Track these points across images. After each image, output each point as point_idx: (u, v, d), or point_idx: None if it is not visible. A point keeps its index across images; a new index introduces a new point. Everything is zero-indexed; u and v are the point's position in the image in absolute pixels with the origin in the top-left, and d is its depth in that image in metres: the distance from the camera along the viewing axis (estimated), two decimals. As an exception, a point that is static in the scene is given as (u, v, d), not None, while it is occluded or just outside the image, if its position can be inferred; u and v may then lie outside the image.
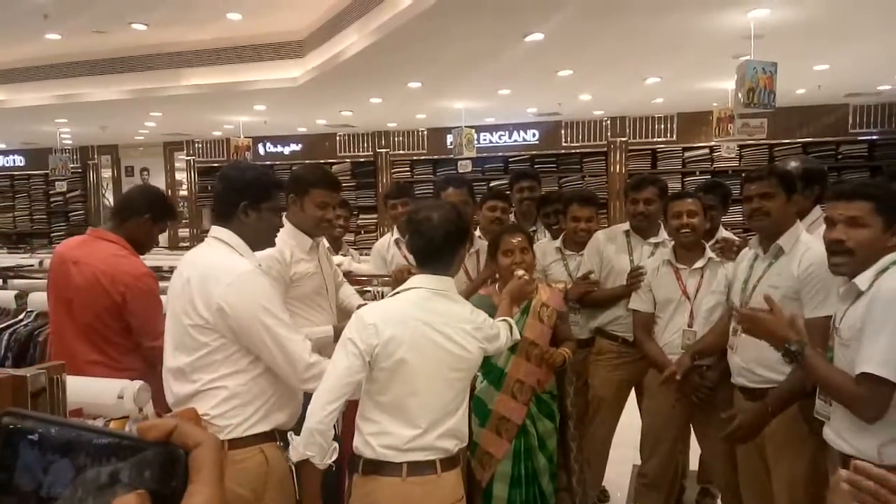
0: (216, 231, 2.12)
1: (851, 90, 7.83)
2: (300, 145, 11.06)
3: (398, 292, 2.11)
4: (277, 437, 2.06)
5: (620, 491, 3.78)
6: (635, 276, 3.24)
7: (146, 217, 2.74)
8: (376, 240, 10.31)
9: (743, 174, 9.15)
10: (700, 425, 3.14)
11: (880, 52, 5.82)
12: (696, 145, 9.21)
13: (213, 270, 2.02)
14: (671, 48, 5.45)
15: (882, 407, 1.93)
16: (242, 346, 2.01)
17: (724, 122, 6.37)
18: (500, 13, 4.43)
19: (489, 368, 2.86)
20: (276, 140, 11.07)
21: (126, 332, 2.60)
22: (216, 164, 11.44)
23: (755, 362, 2.54)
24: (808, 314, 2.48)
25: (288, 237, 2.65)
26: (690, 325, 3.07)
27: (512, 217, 4.30)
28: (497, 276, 2.96)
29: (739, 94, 4.52)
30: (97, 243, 2.68)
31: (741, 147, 8.73)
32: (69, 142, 11.71)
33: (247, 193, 2.11)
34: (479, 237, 3.57)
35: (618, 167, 9.56)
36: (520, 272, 2.72)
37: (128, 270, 2.58)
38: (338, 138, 10.79)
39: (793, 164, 3.51)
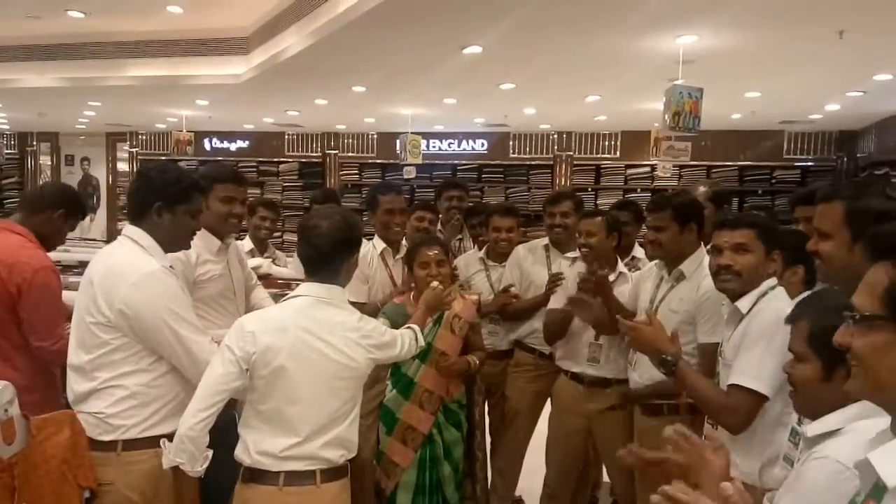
0: (128, 230, 2.10)
1: (785, 118, 8.13)
2: (247, 142, 10.91)
3: (285, 300, 2.11)
4: None
5: (534, 500, 3.83)
6: (554, 282, 3.30)
7: (59, 213, 2.70)
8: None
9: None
10: (599, 436, 3.21)
11: (810, 82, 6.06)
12: (638, 163, 9.43)
13: (118, 269, 2.00)
14: (607, 67, 5.58)
15: (748, 418, 2.02)
16: (146, 346, 1.99)
17: (660, 143, 6.55)
18: (434, 25, 4.47)
19: (398, 377, 2.88)
20: (222, 136, 10.90)
21: (20, 327, 2.53)
22: (162, 157, 11.19)
23: (650, 378, 2.62)
24: (701, 339, 2.58)
25: (196, 238, 2.62)
26: (597, 339, 3.14)
27: (439, 226, 4.34)
28: (412, 285, 2.98)
29: (666, 117, 4.66)
30: (2, 234, 2.61)
31: (680, 167, 8.97)
32: (6, 127, 11.31)
33: (162, 194, 2.10)
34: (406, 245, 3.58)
35: (563, 180, 9.71)
36: (434, 283, 2.75)
37: (28, 262, 2.50)
38: (286, 137, 10.68)
39: (701, 190, 3.64)
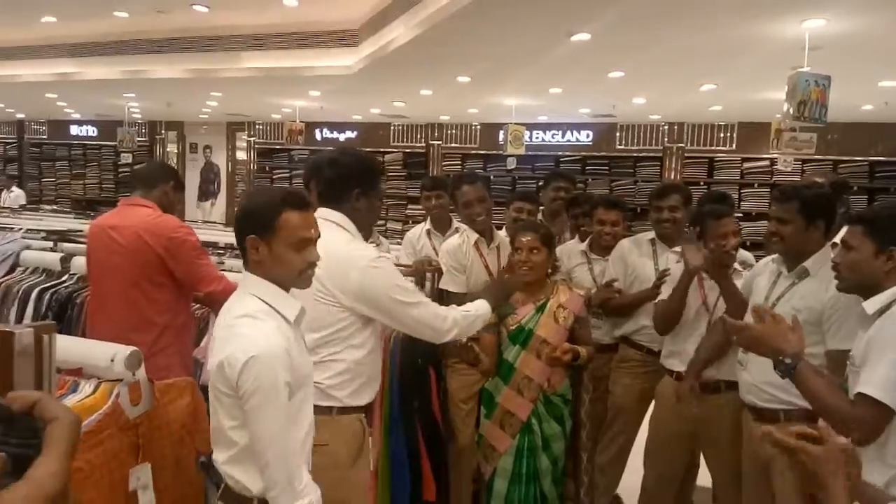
0: (330, 214, 2.19)
1: (925, 108, 7.42)
2: (355, 133, 11.24)
3: None
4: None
5: (632, 499, 3.73)
6: (661, 278, 3.19)
7: (171, 184, 2.98)
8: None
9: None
10: (704, 443, 3.08)
11: (955, 70, 5.51)
12: (756, 156, 8.91)
13: (343, 255, 2.12)
14: (725, 55, 5.29)
15: (874, 431, 1.86)
16: (362, 325, 2.15)
17: (781, 135, 6.15)
18: (542, 12, 4.40)
19: (499, 362, 2.90)
20: (332, 126, 11.29)
21: (168, 288, 2.76)
22: (276, 147, 11.75)
23: (765, 381, 2.44)
24: (830, 345, 2.39)
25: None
26: None
27: (540, 217, 4.29)
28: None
29: (789, 107, 4.36)
30: (132, 209, 2.88)
31: (804, 162, 8.40)
32: (138, 116, 12.23)
33: (361, 180, 2.22)
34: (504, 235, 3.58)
35: (673, 174, 9.35)
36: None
37: (168, 224, 2.78)
38: (392, 128, 10.92)
39: (818, 181, 3.38)
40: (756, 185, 8.96)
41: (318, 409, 2.08)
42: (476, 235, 3.39)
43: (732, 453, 2.80)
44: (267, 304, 1.71)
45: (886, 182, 8.43)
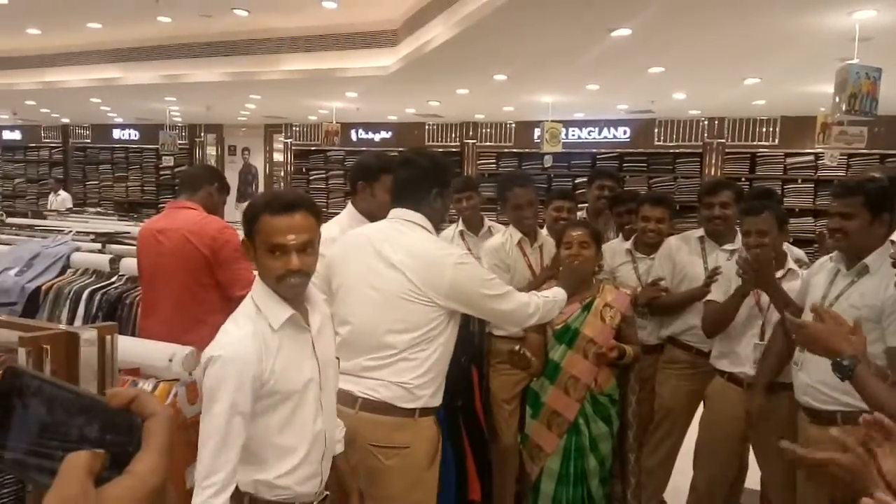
0: (409, 215, 2.23)
1: (980, 99, 7.15)
2: (390, 133, 11.29)
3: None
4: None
5: (679, 501, 3.68)
6: (712, 276, 3.12)
7: (215, 186, 3.04)
8: (457, 230, 10.06)
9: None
10: (758, 444, 3.02)
11: None
12: (799, 151, 8.69)
13: (432, 254, 2.18)
14: (770, 49, 5.17)
15: None
16: (449, 323, 2.19)
17: (828, 128, 5.99)
18: (582, 7, 4.35)
19: (545, 361, 2.89)
20: (367, 127, 11.36)
21: (215, 289, 2.81)
22: (312, 148, 11.87)
23: (822, 382, 2.38)
24: (891, 342, 2.31)
25: (353, 222, 2.75)
26: (762, 339, 2.94)
27: (582, 215, 4.25)
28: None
29: (839, 100, 4.23)
30: (178, 212, 2.93)
31: (849, 156, 8.17)
32: (178, 119, 12.47)
33: (439, 180, 2.27)
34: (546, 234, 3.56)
35: (713, 170, 9.17)
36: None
37: (212, 226, 2.84)
38: (427, 128, 10.94)
39: (876, 176, 3.27)
40: (800, 181, 8.74)
41: (401, 412, 2.13)
42: (520, 235, 3.37)
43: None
44: (257, 307, 1.72)
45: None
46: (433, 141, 10.96)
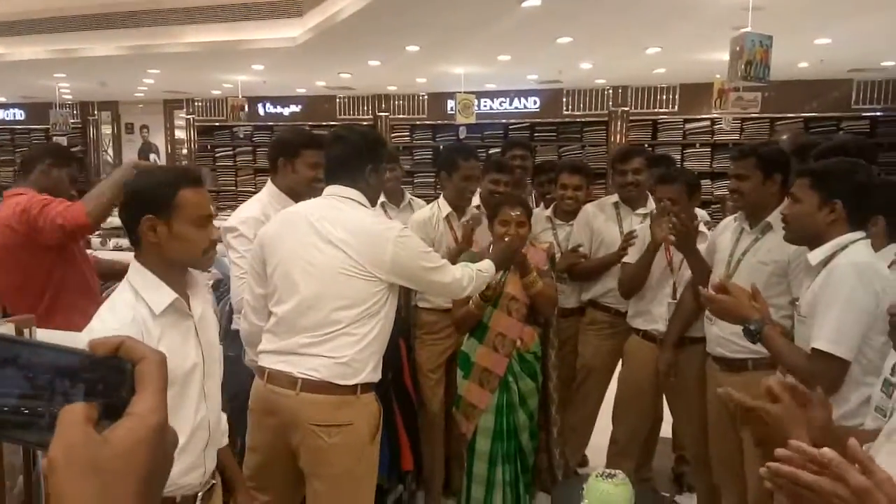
0: (345, 192, 2.23)
1: (855, 65, 7.74)
2: (300, 106, 11.01)
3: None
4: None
5: (601, 457, 3.88)
6: (627, 240, 3.28)
7: (46, 163, 2.82)
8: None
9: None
10: (671, 396, 3.22)
11: (884, 27, 5.74)
12: (697, 117, 9.15)
13: (371, 229, 2.17)
14: (670, 18, 5.39)
15: (835, 383, 1.99)
16: (391, 297, 2.20)
17: (725, 95, 6.32)
18: (495, -22, 4.38)
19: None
20: (275, 101, 11.01)
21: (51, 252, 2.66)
22: (216, 124, 11.42)
23: (734, 332, 2.54)
24: (796, 293, 2.51)
25: (274, 201, 2.70)
26: (674, 298, 3.12)
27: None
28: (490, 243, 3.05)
29: (736, 67, 4.49)
30: (8, 201, 2.74)
31: (742, 120, 8.67)
32: (69, 97, 11.66)
33: (373, 156, 2.26)
34: (477, 207, 3.60)
35: (619, 137, 9.51)
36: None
37: (21, 200, 2.63)
38: (338, 101, 10.73)
39: (783, 138, 3.52)
40: (698, 146, 9.21)
41: (343, 389, 2.12)
42: (448, 209, 3.40)
43: (699, 404, 2.95)
44: (136, 292, 1.67)
45: (821, 137, 8.76)
46: (345, 114, 10.79)
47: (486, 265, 2.54)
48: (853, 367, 2.00)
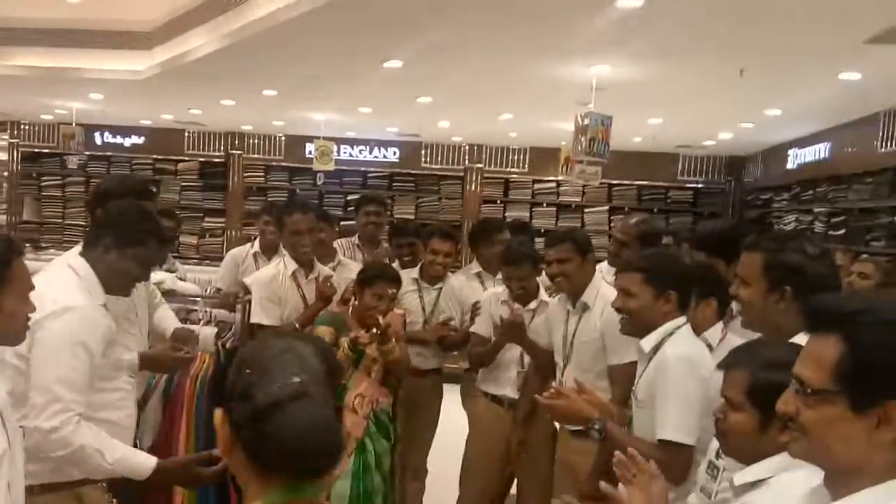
0: (72, 258, 2.07)
1: (681, 143, 8.61)
2: (143, 138, 10.26)
3: None
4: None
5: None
6: (474, 311, 3.41)
7: None
8: (222, 245, 9.70)
9: (584, 208, 9.55)
10: (519, 459, 3.28)
11: (708, 112, 6.47)
12: (545, 178, 9.67)
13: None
14: (522, 89, 5.69)
15: (684, 471, 2.07)
16: None
17: (570, 164, 6.75)
18: (357, 38, 4.39)
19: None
20: (115, 130, 10.19)
21: None
22: (46, 150, 10.37)
23: None
24: (611, 361, 2.66)
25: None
26: (522, 366, 3.20)
27: (357, 242, 4.28)
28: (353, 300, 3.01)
29: (581, 142, 4.81)
30: None
31: (584, 185, 9.28)
32: None
33: (116, 230, 2.07)
34: (338, 264, 3.55)
35: (475, 188, 9.81)
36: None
37: None
38: (186, 135, 10.15)
39: (631, 223, 3.78)
40: (545, 205, 9.73)
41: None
42: (294, 266, 3.29)
43: (547, 467, 3.04)
44: None
45: (651, 203, 9.61)
46: (194, 149, 10.21)
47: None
48: None
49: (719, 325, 2.40)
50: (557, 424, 2.89)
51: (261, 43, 4.57)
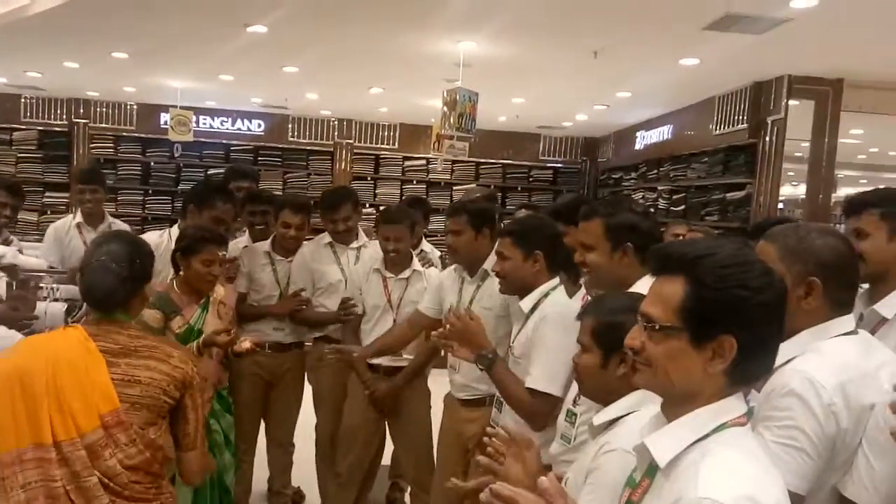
0: None
1: (543, 123, 9.01)
2: (-31, 104, 9.20)
3: None
4: None
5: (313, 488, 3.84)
6: (346, 308, 3.35)
7: None
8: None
9: (453, 185, 9.74)
10: (394, 423, 3.34)
11: (563, 93, 6.81)
12: (415, 156, 9.76)
13: None
14: (391, 63, 5.70)
15: (547, 418, 2.22)
16: None
17: (442, 140, 6.86)
18: (217, -1, 4.20)
19: None
20: (-66, 95, 9.05)
21: None
22: None
23: (475, 381, 2.74)
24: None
25: None
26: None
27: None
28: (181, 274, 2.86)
29: (451, 118, 4.91)
30: None
31: (453, 162, 9.49)
32: None
33: None
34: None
35: (344, 165, 9.70)
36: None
37: None
38: (23, 101, 9.20)
39: (475, 188, 3.93)
40: (415, 182, 9.83)
41: None
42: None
43: (422, 431, 3.14)
44: None
45: (515, 182, 10.01)
46: (32, 117, 9.28)
47: None
48: None
49: (581, 290, 2.57)
50: (451, 391, 2.96)
51: (109, -1, 4.25)
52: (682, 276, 1.14)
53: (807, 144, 5.70)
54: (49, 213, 9.20)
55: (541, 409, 2.22)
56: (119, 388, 1.74)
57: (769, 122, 5.61)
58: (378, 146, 9.83)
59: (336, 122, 9.67)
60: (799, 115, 5.48)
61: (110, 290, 1.82)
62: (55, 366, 1.70)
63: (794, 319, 1.46)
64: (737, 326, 1.10)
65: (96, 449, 1.69)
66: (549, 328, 2.25)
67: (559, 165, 10.13)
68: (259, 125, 9.62)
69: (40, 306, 2.83)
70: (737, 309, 1.10)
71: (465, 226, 2.81)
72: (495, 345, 2.39)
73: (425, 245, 3.93)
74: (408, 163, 9.84)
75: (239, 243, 3.64)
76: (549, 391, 2.21)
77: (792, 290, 1.46)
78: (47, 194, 9.25)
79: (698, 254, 1.15)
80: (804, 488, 1.39)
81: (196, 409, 1.91)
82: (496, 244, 2.46)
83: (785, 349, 1.47)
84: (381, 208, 3.54)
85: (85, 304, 3.10)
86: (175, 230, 3.32)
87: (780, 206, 5.97)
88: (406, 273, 3.27)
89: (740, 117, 5.87)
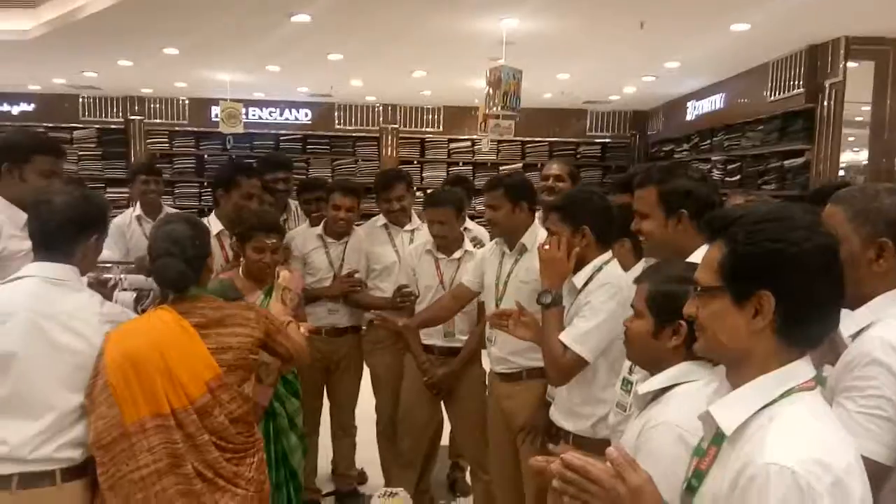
0: (56, 271, 1.97)
1: (589, 98, 8.86)
2: (33, 105, 9.59)
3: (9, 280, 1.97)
4: None
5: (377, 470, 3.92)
6: (403, 296, 3.36)
7: None
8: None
9: (500, 167, 9.69)
10: (450, 404, 3.39)
11: (612, 66, 6.67)
12: (460, 137, 9.75)
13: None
14: (433, 45, 5.69)
15: (568, 375, 2.27)
16: None
17: (488, 120, 6.82)
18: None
19: None
20: (1, 97, 9.48)
21: None
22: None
23: (512, 353, 2.81)
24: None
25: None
26: None
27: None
28: (241, 260, 2.93)
29: (495, 97, 4.89)
30: None
31: (498, 143, 9.44)
32: None
33: (91, 225, 2.02)
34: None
35: (390, 150, 9.77)
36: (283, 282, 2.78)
37: None
38: (81, 100, 9.56)
39: (554, 167, 3.90)
40: (461, 164, 9.83)
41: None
42: (220, 227, 3.34)
43: (477, 409, 3.17)
44: None
45: (563, 159, 9.88)
46: (90, 116, 9.63)
47: None
48: (602, 372, 2.28)
49: (641, 263, 2.54)
50: (488, 368, 3.01)
51: (157, -4, 4.37)
52: (721, 239, 1.16)
53: (868, 108, 5.45)
54: (112, 208, 9.53)
55: (565, 365, 2.25)
56: (216, 356, 1.97)
57: (827, 85, 5.39)
58: (423, 129, 9.85)
59: (381, 108, 9.72)
60: (858, 77, 5.24)
61: (181, 273, 2.04)
62: (160, 348, 1.91)
63: (867, 284, 1.43)
64: (773, 281, 1.10)
65: (206, 410, 1.93)
66: (602, 292, 2.27)
67: (607, 140, 9.96)
68: (306, 114, 9.76)
69: (111, 297, 2.97)
70: (771, 263, 1.10)
71: (503, 199, 2.82)
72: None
73: (469, 223, 3.96)
74: (453, 145, 9.84)
75: (298, 231, 3.74)
76: (577, 350, 2.22)
77: (861, 252, 1.44)
78: (109, 190, 9.60)
79: (736, 215, 1.16)
80: (893, 458, 1.34)
81: (283, 339, 2.25)
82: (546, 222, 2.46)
83: (860, 315, 1.45)
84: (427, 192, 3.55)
85: (152, 293, 3.26)
86: (213, 218, 3.40)
87: (841, 172, 5.73)
88: (457, 254, 3.29)
89: (796, 82, 5.65)
